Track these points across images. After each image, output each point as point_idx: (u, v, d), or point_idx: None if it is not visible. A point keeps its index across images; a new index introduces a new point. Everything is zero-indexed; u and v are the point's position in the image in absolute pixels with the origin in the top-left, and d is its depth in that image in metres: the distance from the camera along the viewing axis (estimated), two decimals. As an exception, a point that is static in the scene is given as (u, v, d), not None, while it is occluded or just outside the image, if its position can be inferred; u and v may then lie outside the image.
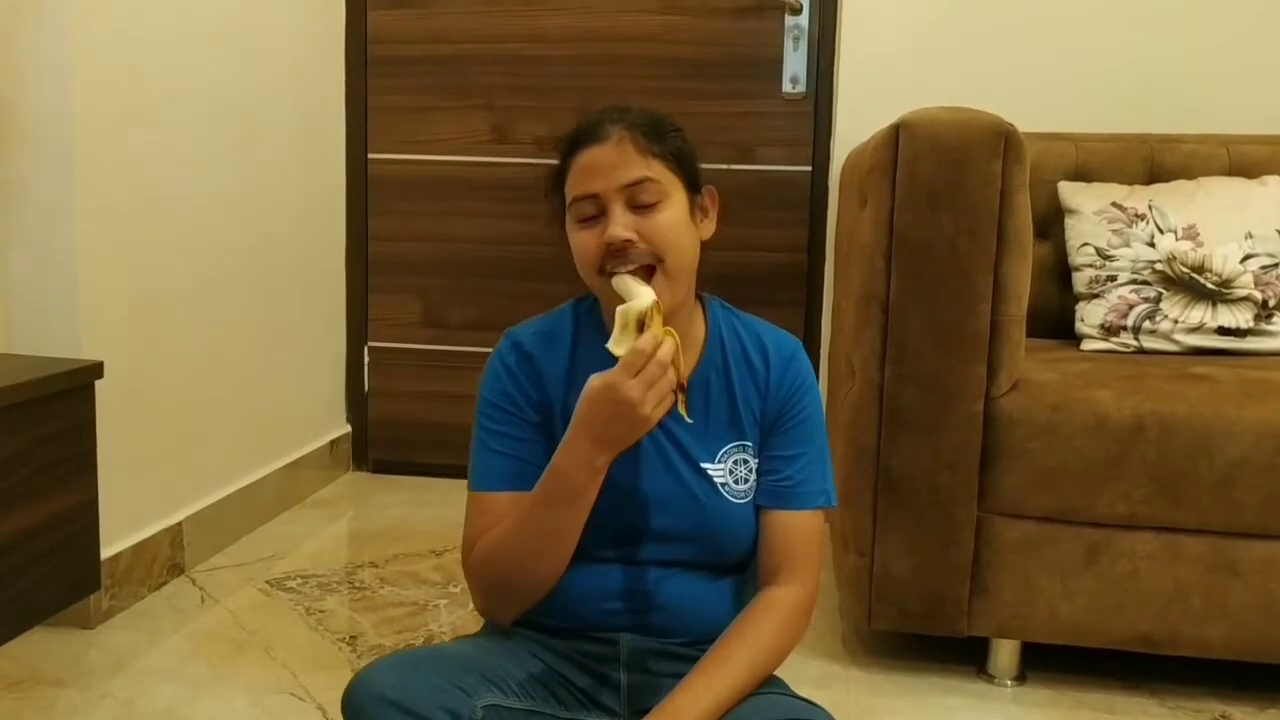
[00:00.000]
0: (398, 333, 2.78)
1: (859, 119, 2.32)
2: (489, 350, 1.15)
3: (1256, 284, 1.86)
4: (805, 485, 1.11)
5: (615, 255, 1.03)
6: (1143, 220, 1.95)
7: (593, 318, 1.14)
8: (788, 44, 2.53)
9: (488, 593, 1.11)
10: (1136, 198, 1.99)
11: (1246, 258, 1.88)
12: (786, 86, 2.54)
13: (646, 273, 1.04)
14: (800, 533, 1.10)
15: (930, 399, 1.58)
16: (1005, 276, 1.55)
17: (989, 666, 1.71)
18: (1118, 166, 2.13)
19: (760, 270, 2.59)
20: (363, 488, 2.71)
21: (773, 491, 1.11)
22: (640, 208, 1.04)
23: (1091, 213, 1.99)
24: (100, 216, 1.77)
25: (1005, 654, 1.70)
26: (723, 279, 2.40)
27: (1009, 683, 1.69)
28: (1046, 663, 1.71)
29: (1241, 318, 1.86)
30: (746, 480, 1.11)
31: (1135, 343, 1.89)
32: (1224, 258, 1.87)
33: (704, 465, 1.10)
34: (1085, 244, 1.98)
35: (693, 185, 1.09)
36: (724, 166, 2.55)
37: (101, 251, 1.78)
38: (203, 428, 2.13)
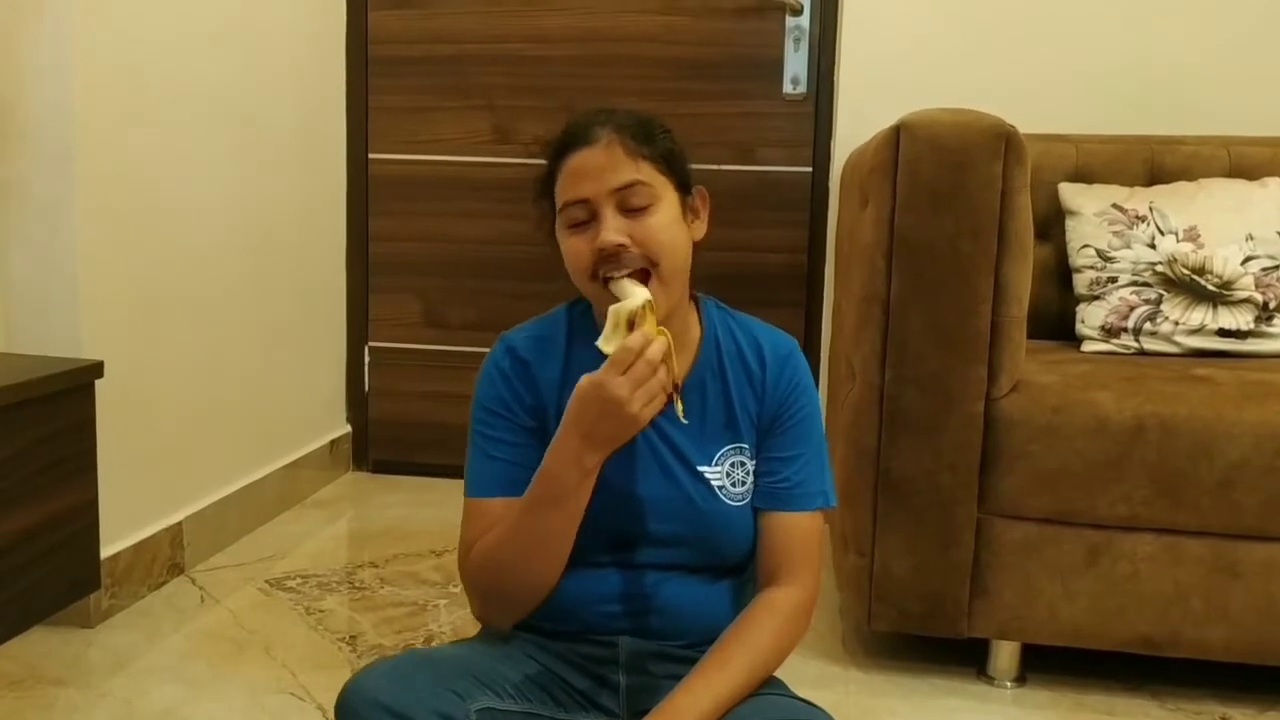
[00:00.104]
0: (398, 333, 2.78)
1: (859, 120, 2.32)
2: (489, 351, 1.15)
3: (1257, 286, 1.86)
4: (803, 486, 1.11)
5: (608, 260, 1.03)
6: (1143, 222, 1.95)
7: (586, 321, 1.13)
8: (788, 45, 2.53)
9: (483, 599, 1.11)
10: (1137, 199, 1.99)
11: (1247, 259, 1.88)
12: (787, 87, 2.54)
13: (641, 277, 1.03)
14: (799, 534, 1.10)
15: (931, 400, 1.58)
16: (1006, 278, 1.55)
17: (989, 668, 1.71)
18: (1118, 168, 2.13)
19: (761, 271, 2.59)
20: (363, 488, 2.71)
21: (771, 493, 1.11)
22: (631, 211, 1.03)
23: (1092, 214, 1.99)
24: (100, 216, 1.77)
25: (1005, 655, 1.70)
26: (723, 279, 2.42)
27: (1009, 684, 1.69)
28: (1047, 664, 1.71)
29: (1242, 319, 1.85)
30: (744, 483, 1.11)
31: (1136, 344, 1.89)
32: (1225, 259, 1.87)
33: (701, 468, 1.10)
34: (1086, 245, 1.98)
35: (683, 186, 1.08)
36: (715, 167, 2.55)
37: (101, 251, 1.78)
38: (203, 428, 2.13)
